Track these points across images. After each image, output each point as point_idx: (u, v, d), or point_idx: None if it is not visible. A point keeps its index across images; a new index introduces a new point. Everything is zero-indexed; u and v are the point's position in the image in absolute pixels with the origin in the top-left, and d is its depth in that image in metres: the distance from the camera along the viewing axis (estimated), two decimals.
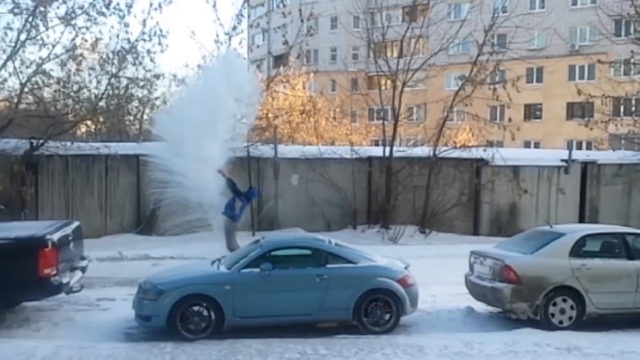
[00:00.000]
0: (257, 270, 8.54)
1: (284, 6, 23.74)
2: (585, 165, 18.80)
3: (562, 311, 8.93)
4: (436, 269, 12.16)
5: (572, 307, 8.93)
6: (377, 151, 18.98)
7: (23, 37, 15.37)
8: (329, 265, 8.77)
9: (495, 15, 19.10)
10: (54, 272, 8.38)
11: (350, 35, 25.17)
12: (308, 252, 9.03)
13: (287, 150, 18.37)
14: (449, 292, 10.58)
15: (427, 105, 22.75)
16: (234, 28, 17.66)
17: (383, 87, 20.25)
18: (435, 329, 8.99)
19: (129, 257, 14.14)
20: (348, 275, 8.72)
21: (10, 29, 15.28)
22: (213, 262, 9.39)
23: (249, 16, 19.86)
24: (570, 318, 8.93)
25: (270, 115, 19.69)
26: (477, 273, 9.67)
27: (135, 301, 8.69)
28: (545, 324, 8.85)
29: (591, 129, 19.20)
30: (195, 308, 8.35)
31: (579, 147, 30.03)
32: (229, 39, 17.58)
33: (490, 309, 9.78)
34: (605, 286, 8.97)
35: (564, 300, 8.93)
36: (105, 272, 12.17)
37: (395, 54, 20.37)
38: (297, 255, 9.03)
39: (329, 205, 17.63)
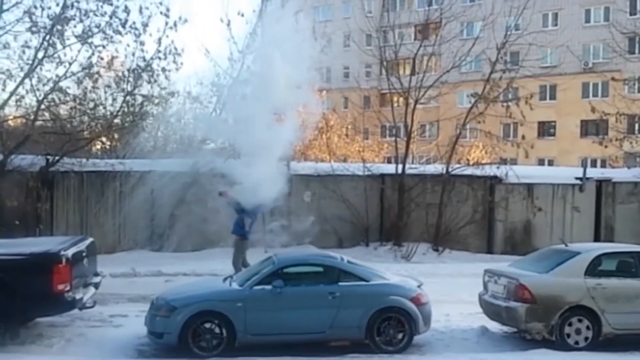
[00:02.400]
0: (269, 287, 8.52)
1: (297, 24, 23.92)
2: (600, 183, 18.63)
3: (578, 331, 8.81)
4: (449, 288, 12.06)
5: (588, 328, 8.81)
6: (390, 168, 18.95)
7: (40, 55, 15.60)
8: (341, 283, 8.73)
9: (508, 33, 19.11)
10: (68, 288, 8.43)
11: (362, 53, 25.27)
12: (320, 269, 9.00)
13: (300, 167, 18.40)
14: (463, 311, 10.49)
15: (439, 122, 22.78)
16: (248, 46, 17.82)
17: (395, 105, 20.28)
18: (449, 349, 8.90)
19: (142, 274, 14.19)
20: (360, 293, 8.67)
21: (28, 47, 15.49)
22: (225, 279, 9.39)
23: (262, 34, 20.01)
24: (586, 338, 8.80)
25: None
26: (491, 292, 9.58)
27: (147, 318, 8.69)
28: (561, 344, 8.73)
29: (605, 146, 19.06)
30: (207, 325, 8.33)
31: (594, 165, 29.81)
32: (243, 57, 17.73)
33: (505, 328, 9.66)
34: (622, 306, 8.84)
35: (580, 320, 8.81)
36: (118, 289, 12.22)
37: (408, 72, 20.44)
38: (309, 273, 9.01)
39: (341, 222, 17.58)
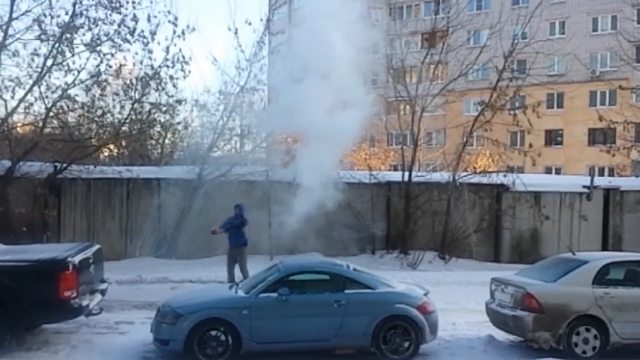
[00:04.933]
0: (274, 295, 8.50)
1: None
2: (608, 192, 18.54)
3: (586, 341, 8.74)
4: (456, 296, 12.02)
5: (595, 337, 8.74)
6: (396, 176, 18.93)
7: (49, 62, 15.72)
8: (347, 291, 8.71)
9: (515, 41, 19.10)
10: (74, 294, 8.44)
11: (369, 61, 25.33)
12: (326, 277, 8.98)
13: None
14: (469, 320, 10.44)
15: (446, 130, 22.76)
16: (255, 54, 17.88)
17: (402, 112, 20.29)
18: (455, 358, 8.85)
19: (148, 280, 14.21)
20: (366, 301, 8.65)
21: (37, 54, 15.62)
22: (231, 286, 9.38)
23: (270, 43, 20.08)
24: (594, 348, 8.73)
25: (289, 139, 19.82)
26: (498, 301, 9.53)
27: (153, 325, 8.69)
28: (568, 353, 8.66)
29: (613, 155, 18.99)
30: (213, 332, 8.32)
31: (601, 174, 29.68)
32: (250, 65, 17.79)
33: (512, 337, 9.60)
34: (630, 315, 8.77)
35: (587, 330, 8.74)
36: (124, 295, 12.25)
37: (415, 80, 20.44)
38: (314, 280, 8.98)
39: (347, 230, 17.57)
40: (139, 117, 17.78)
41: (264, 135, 19.11)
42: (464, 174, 18.71)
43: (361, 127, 13.26)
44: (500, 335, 9.62)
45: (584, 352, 8.70)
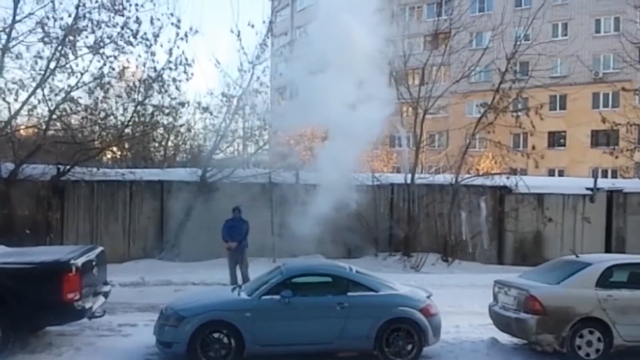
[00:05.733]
0: (277, 297, 8.50)
1: (307, 35, 24.05)
2: (611, 194, 18.51)
3: (589, 343, 8.71)
4: (459, 299, 11.99)
5: (599, 339, 8.70)
6: (399, 178, 18.92)
7: (52, 65, 15.75)
8: (349, 293, 8.69)
9: (517, 43, 19.10)
10: (77, 297, 8.45)
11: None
12: (329, 279, 8.97)
13: (309, 177, 18.40)
14: (473, 323, 10.41)
15: (449, 132, 22.75)
16: (258, 57, 17.90)
17: (404, 114, 20.27)
18: None
19: (151, 283, 14.21)
20: (369, 303, 8.64)
21: (41, 57, 15.63)
22: (234, 289, 9.37)
23: (272, 45, 20.09)
24: (598, 350, 8.69)
25: (292, 141, 19.84)
26: (502, 303, 9.51)
27: (156, 327, 8.69)
28: (572, 356, 8.64)
29: (616, 157, 18.95)
30: (216, 335, 8.31)
31: (604, 175, 29.59)
32: (253, 67, 17.81)
33: (515, 340, 9.58)
34: (633, 318, 8.73)
35: (591, 332, 8.71)
36: (127, 298, 12.26)
37: (417, 82, 20.44)
38: (317, 283, 8.97)
39: (350, 232, 17.55)
40: (142, 119, 17.81)
41: (267, 137, 19.14)
42: (467, 176, 18.69)
43: (382, 123, 13.00)
44: (504, 338, 9.59)
45: (588, 354, 8.67)
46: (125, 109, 17.51)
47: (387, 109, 12.99)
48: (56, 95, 16.15)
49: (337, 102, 12.05)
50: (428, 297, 9.02)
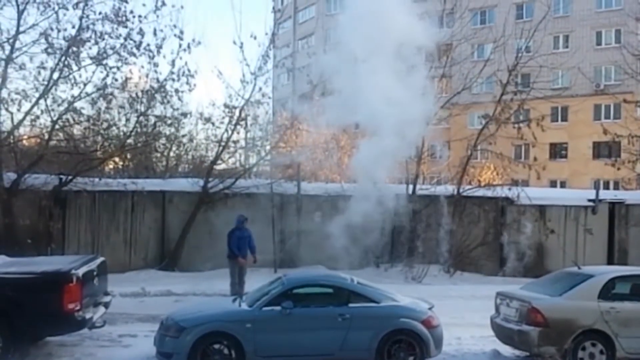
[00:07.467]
0: (278, 308, 8.47)
1: (309, 47, 24.19)
2: (613, 206, 18.47)
3: (592, 356, 8.67)
4: (461, 310, 11.95)
5: (601, 352, 8.67)
6: (400, 189, 18.90)
7: (56, 76, 15.84)
8: (351, 305, 8.66)
9: (519, 54, 19.16)
10: (78, 307, 8.44)
11: None
12: (330, 290, 8.94)
13: (310, 187, 18.42)
14: (475, 334, 10.36)
15: (450, 143, 22.72)
16: (260, 68, 17.98)
17: None
18: None
19: (151, 293, 14.18)
20: (370, 315, 8.60)
21: (44, 68, 15.72)
22: (235, 299, 9.34)
23: (274, 56, 20.18)
24: None
25: (293, 152, 19.85)
26: (504, 315, 9.47)
27: (156, 338, 8.66)
28: None
29: (618, 168, 18.94)
30: (217, 346, 8.28)
31: (606, 187, 29.53)
32: (255, 79, 17.89)
33: (517, 352, 9.53)
34: (636, 330, 8.70)
35: (593, 345, 8.68)
36: (127, 308, 12.23)
37: None
38: (318, 294, 8.94)
39: (351, 243, 17.49)
40: (144, 129, 17.85)
41: (268, 147, 19.17)
42: (469, 187, 18.67)
43: (423, 128, 12.56)
44: (506, 350, 9.55)
45: None
46: (127, 120, 17.56)
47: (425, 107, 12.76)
48: (59, 105, 16.23)
49: (377, 98, 11.79)
50: (430, 308, 8.97)
